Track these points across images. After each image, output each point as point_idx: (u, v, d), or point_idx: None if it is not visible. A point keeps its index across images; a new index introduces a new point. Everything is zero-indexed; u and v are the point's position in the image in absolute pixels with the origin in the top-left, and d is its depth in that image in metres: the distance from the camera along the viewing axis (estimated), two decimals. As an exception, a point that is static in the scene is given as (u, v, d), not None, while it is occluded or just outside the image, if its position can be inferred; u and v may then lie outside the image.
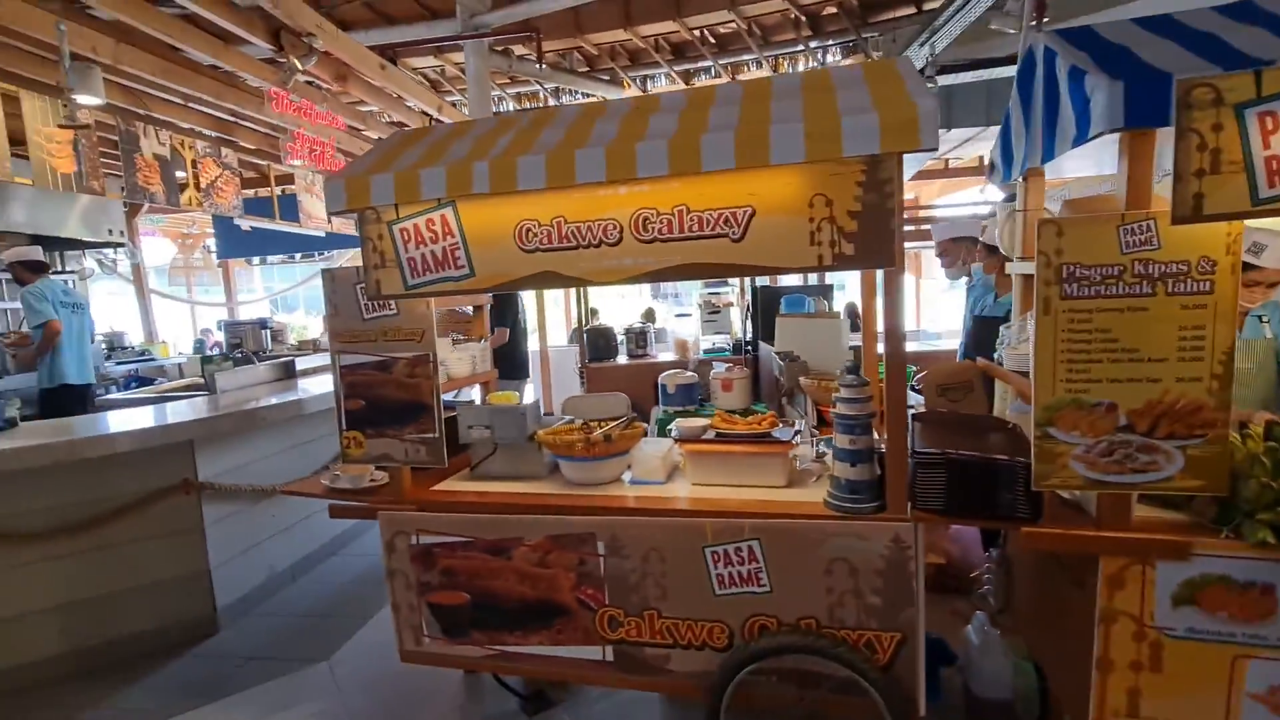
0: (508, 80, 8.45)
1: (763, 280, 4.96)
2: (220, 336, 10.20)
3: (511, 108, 9.03)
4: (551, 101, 9.37)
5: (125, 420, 2.87)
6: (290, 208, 4.90)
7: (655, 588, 1.88)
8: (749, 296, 4.99)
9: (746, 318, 5.92)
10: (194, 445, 2.87)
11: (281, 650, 2.83)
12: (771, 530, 1.77)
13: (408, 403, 2.10)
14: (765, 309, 4.48)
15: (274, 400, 3.22)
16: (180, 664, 2.77)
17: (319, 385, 3.85)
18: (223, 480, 2.98)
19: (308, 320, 11.12)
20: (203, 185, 3.88)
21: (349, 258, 8.44)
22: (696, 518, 1.83)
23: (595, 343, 5.65)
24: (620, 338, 5.82)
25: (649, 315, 7.46)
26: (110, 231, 5.12)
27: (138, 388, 4.91)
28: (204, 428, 2.87)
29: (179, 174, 3.70)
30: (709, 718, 1.79)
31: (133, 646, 2.79)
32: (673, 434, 2.16)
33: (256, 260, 9.03)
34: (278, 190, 5.06)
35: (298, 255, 8.84)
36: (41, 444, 2.48)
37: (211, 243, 10.47)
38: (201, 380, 4.31)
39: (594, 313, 8.28)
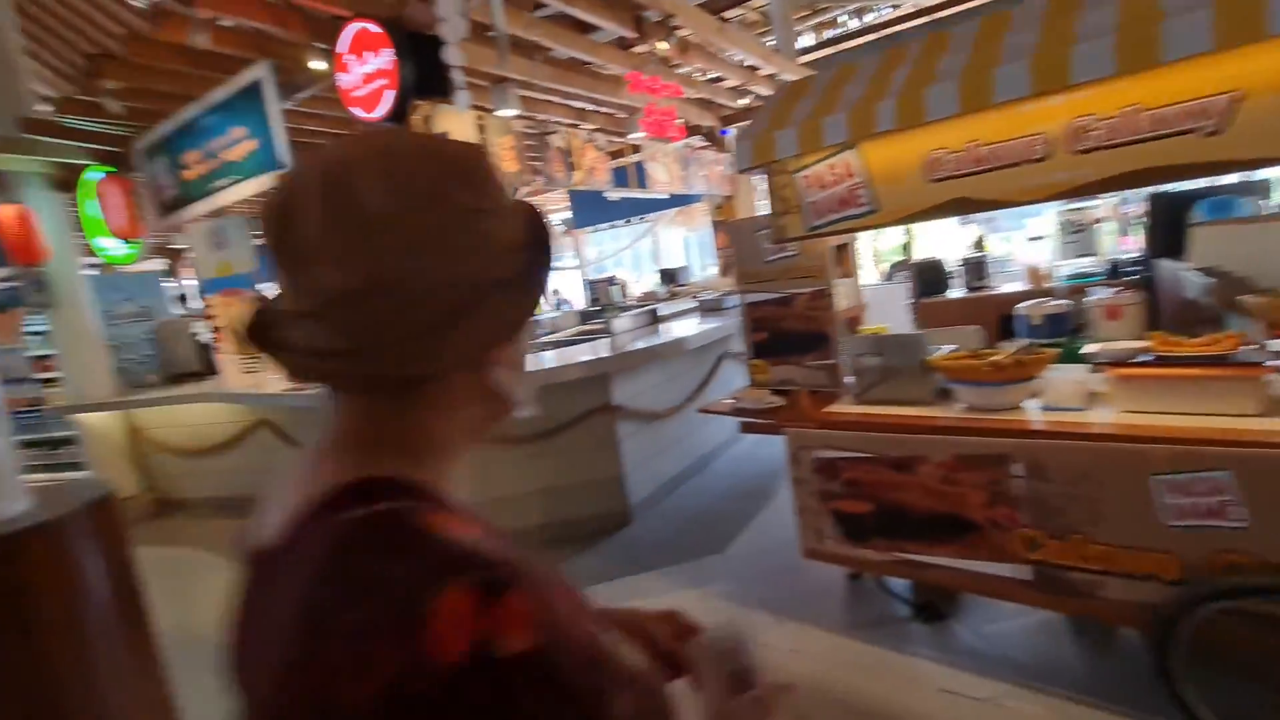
0: (807, 11, 8.24)
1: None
2: (566, 294, 12.31)
3: (812, 40, 8.80)
4: (854, 24, 8.85)
5: (565, 357, 3.77)
6: (633, 176, 5.66)
7: (1085, 513, 1.84)
8: (1139, 207, 4.18)
9: (1126, 232, 4.96)
10: (609, 376, 3.63)
11: (681, 541, 3.48)
12: (1254, 461, 1.58)
13: (808, 333, 2.36)
14: (1166, 219, 3.71)
15: (664, 339, 3.87)
16: (610, 543, 3.61)
17: (673, 330, 4.49)
18: (628, 404, 3.73)
19: (627, 276, 12.64)
20: (585, 167, 4.76)
21: (672, 216, 9.37)
22: (1143, 444, 1.73)
23: (925, 276, 5.36)
24: (954, 270, 5.42)
25: (979, 244, 6.74)
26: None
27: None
28: (617, 362, 3.61)
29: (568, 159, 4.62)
30: (1155, 648, 1.73)
31: (580, 526, 3.73)
32: (1092, 358, 2.03)
33: (593, 228, 10.64)
34: (617, 162, 5.81)
35: (625, 220, 10.13)
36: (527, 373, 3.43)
37: (556, 217, 12.53)
38: (581, 327, 5.36)
39: (904, 247, 7.77)
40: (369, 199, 0.44)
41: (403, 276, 0.45)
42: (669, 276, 7.30)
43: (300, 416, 4.72)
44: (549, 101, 5.31)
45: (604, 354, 3.69)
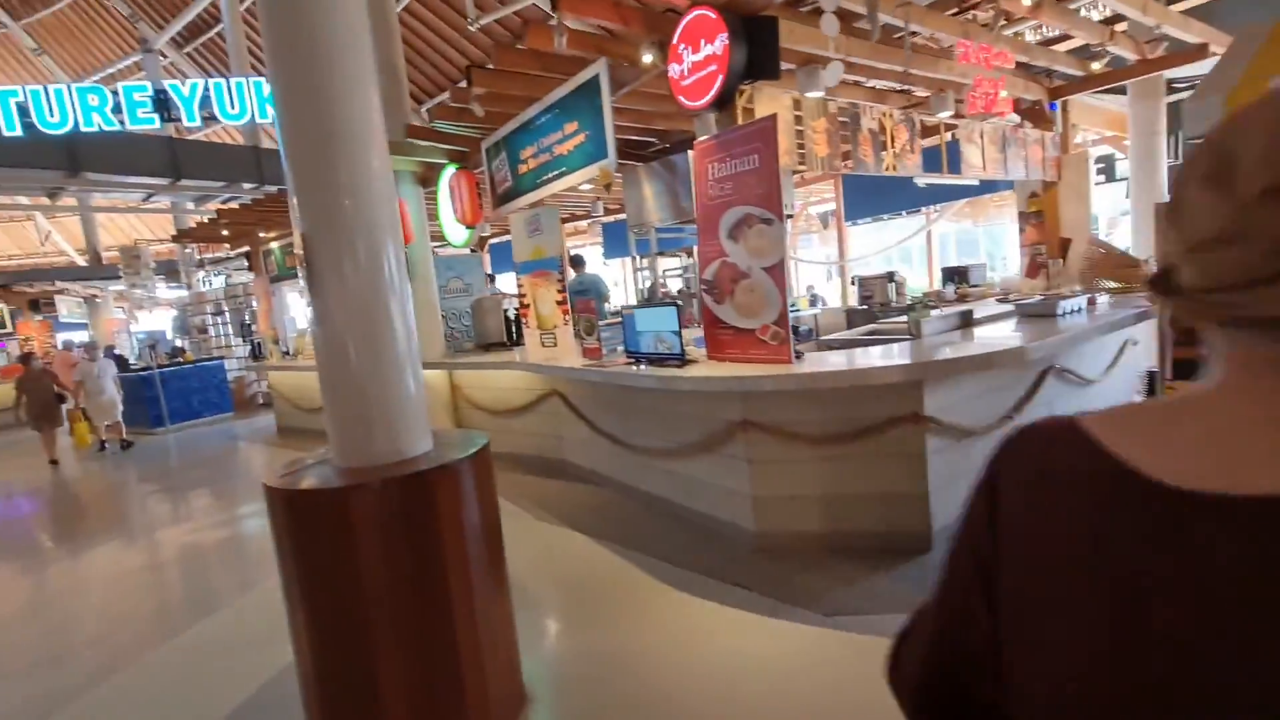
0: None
1: None
2: (818, 291, 11.79)
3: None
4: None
5: (868, 358, 3.47)
6: (945, 160, 5.04)
7: None
8: None
9: None
10: (922, 383, 3.24)
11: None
12: None
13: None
14: None
15: (998, 347, 3.37)
16: (906, 568, 3.23)
17: (992, 335, 3.88)
18: (940, 416, 3.30)
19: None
20: (896, 150, 4.35)
21: (955, 210, 8.34)
22: None
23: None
24: None
25: None
26: (788, 205, 6.37)
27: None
28: (938, 369, 3.21)
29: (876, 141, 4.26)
30: None
31: (867, 542, 3.42)
32: None
33: (856, 221, 9.99)
34: (928, 142, 5.18)
35: (897, 212, 9.32)
36: (822, 372, 3.23)
37: (815, 209, 12.05)
38: (873, 326, 4.96)
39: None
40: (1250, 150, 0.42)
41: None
42: (957, 275, 6.47)
43: (585, 389, 5.13)
44: (845, 80, 4.97)
45: (918, 357, 3.30)
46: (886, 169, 4.21)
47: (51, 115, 8.27)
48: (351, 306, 2.16)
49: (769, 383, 3.21)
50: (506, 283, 13.15)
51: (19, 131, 8.13)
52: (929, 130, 4.93)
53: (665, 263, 7.87)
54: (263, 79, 8.94)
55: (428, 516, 2.09)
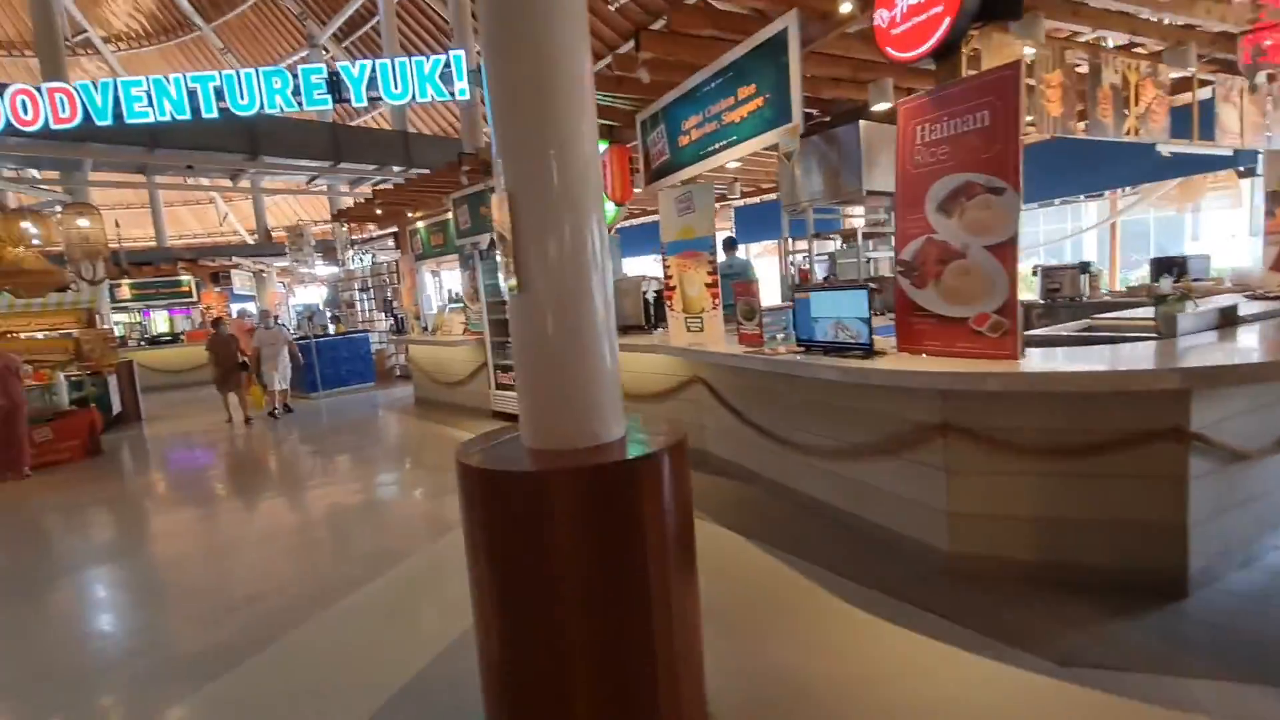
0: None
1: None
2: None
3: None
4: None
5: (1121, 359, 2.88)
6: (1195, 124, 4.15)
7: None
8: None
9: None
10: (1191, 393, 2.63)
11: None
12: None
13: None
14: None
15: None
16: (1158, 616, 2.64)
17: (1264, 335, 3.13)
18: (1209, 433, 2.66)
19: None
20: (1140, 110, 3.63)
21: (1165, 192, 7.11)
22: None
23: None
24: None
25: None
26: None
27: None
28: (1217, 375, 2.58)
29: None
30: None
31: (1094, 577, 2.85)
32: None
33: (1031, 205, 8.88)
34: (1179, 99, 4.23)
35: (1082, 197, 8.14)
36: (1067, 372, 2.69)
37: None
38: (1086, 322, 4.22)
39: None
40: None
41: None
42: (1173, 267, 5.46)
43: (733, 377, 4.81)
44: (1056, 34, 4.23)
45: (1177, 360, 2.69)
46: (1127, 132, 3.50)
47: (242, 98, 9.16)
48: (554, 274, 1.97)
49: (993, 381, 2.72)
50: (631, 267, 13.06)
51: (215, 114, 9.08)
52: (1175, 87, 4.09)
53: (803, 246, 7.34)
54: (424, 58, 9.34)
55: (631, 510, 1.87)
